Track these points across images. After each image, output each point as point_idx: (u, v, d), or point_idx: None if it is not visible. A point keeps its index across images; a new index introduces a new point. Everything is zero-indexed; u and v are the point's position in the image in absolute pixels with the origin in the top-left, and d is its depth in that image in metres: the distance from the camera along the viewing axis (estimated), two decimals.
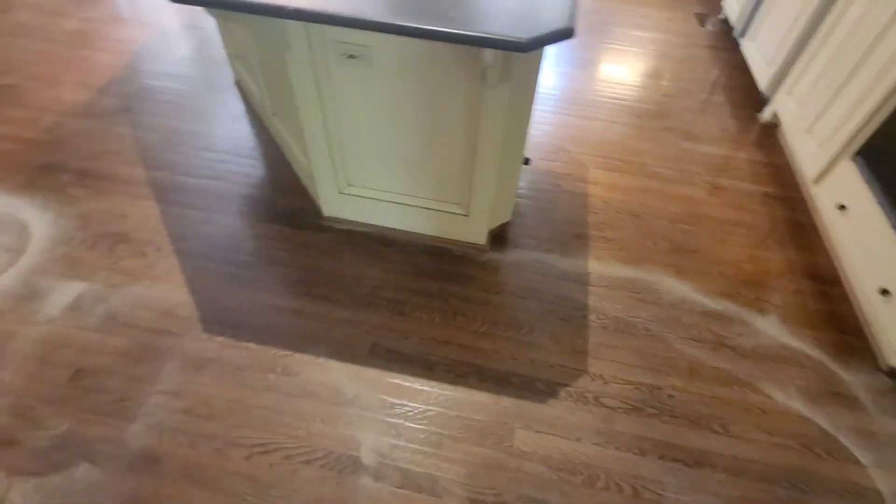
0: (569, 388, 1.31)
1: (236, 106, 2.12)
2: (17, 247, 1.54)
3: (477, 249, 1.62)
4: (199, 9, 2.72)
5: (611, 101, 2.30)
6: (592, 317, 1.47)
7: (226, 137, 1.96)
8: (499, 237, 1.66)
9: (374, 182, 1.54)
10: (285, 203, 1.73)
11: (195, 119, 2.04)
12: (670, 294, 1.53)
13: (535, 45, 0.88)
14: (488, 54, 0.99)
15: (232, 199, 1.73)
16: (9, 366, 1.27)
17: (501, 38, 0.88)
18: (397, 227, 1.63)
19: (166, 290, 1.45)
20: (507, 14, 0.95)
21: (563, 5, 0.97)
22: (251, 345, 1.35)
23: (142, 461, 1.13)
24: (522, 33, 0.89)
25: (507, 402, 1.27)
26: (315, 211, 1.70)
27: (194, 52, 2.41)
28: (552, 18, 0.93)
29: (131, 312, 1.40)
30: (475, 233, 1.58)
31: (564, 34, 0.90)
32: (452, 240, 1.63)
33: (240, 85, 2.19)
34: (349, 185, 1.56)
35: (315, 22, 0.96)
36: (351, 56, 1.19)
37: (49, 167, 1.79)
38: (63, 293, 1.43)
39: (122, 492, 1.09)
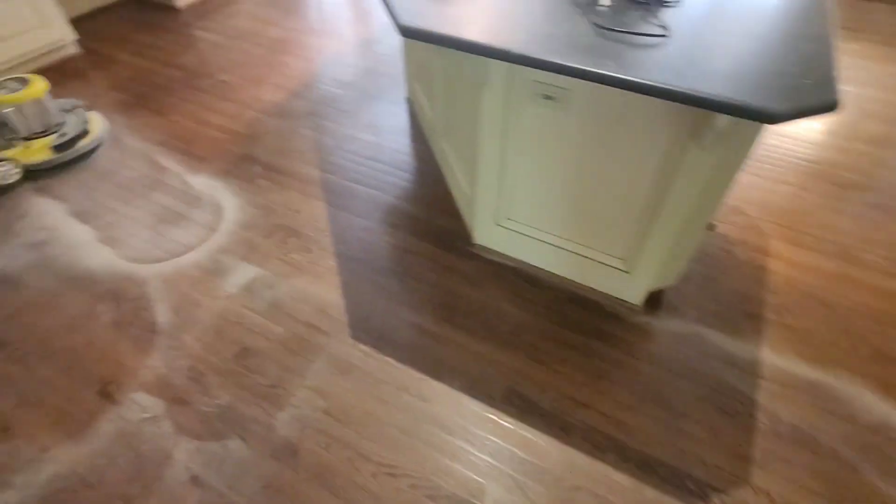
0: (724, 497, 1.13)
1: (404, 120, 2.23)
2: (212, 224, 1.76)
3: (630, 309, 1.49)
4: (380, 25, 2.94)
5: (804, 162, 2.01)
6: (762, 417, 1.26)
7: (391, 150, 2.07)
8: (655, 299, 1.52)
9: (535, 220, 1.50)
10: (438, 222, 1.76)
11: (366, 129, 2.19)
12: (869, 413, 1.27)
13: (789, 118, 0.76)
14: (721, 119, 0.89)
15: (390, 210, 1.81)
16: (192, 331, 1.44)
17: (748, 105, 0.78)
18: (548, 268, 1.57)
19: (323, 289, 1.55)
20: (749, 72, 0.85)
21: (821, 67, 0.84)
22: (391, 360, 1.38)
23: (284, 450, 1.21)
24: (774, 102, 0.78)
25: (649, 494, 1.13)
26: (465, 236, 1.71)
27: (373, 65, 2.60)
28: (808, 85, 0.81)
29: (292, 303, 1.52)
30: (632, 291, 1.46)
31: (827, 107, 0.77)
32: (604, 293, 1.52)
33: (411, 101, 2.31)
34: (508, 218, 1.54)
35: (542, 69, 0.94)
36: (547, 97, 1.17)
37: (245, 157, 2.04)
38: (240, 274, 1.60)
39: (264, 475, 1.17)
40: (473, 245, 1.68)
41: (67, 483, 1.15)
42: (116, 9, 3.20)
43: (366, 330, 1.45)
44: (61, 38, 2.59)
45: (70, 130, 2.01)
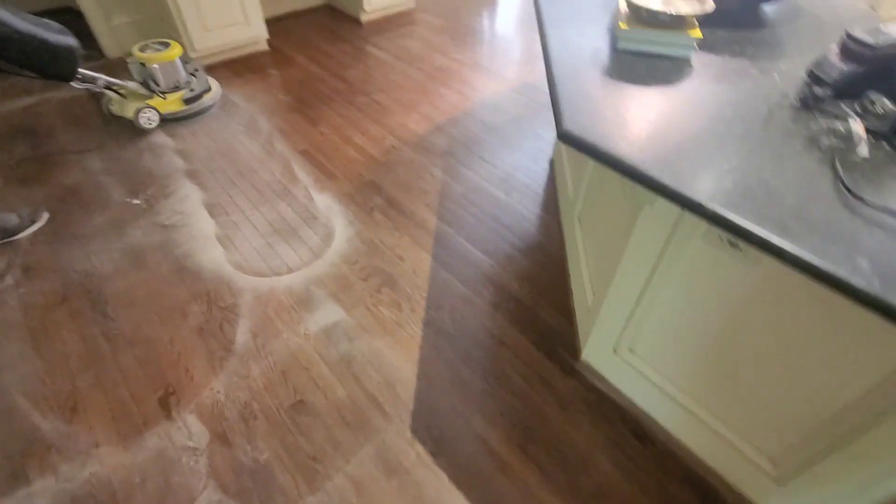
0: None
1: (541, 184, 2.02)
2: (318, 250, 1.73)
3: None
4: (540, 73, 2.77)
5: None
6: None
7: (518, 214, 1.88)
8: None
9: (662, 364, 1.19)
10: (545, 317, 1.52)
11: (499, 183, 2.03)
12: None
13: None
14: None
15: (497, 285, 1.61)
16: (262, 363, 1.39)
17: None
18: (664, 424, 1.25)
19: (400, 359, 1.41)
20: None
21: None
22: (444, 476, 1.18)
23: None
24: None
25: None
26: (572, 345, 1.45)
27: (525, 113, 2.44)
28: None
29: (364, 365, 1.39)
30: (770, 497, 1.08)
31: None
32: (730, 484, 1.16)
33: (554, 166, 2.10)
34: (629, 349, 1.25)
35: (746, 240, 0.68)
36: (733, 244, 0.88)
37: (371, 185, 2.00)
38: (326, 314, 1.52)
39: None
40: (579, 360, 1.41)
41: (99, 490, 1.14)
42: (310, 14, 3.48)
43: (428, 427, 1.27)
44: (257, 35, 2.85)
45: (197, 87, 2.34)
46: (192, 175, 2.03)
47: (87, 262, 1.64)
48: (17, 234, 1.72)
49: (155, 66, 2.19)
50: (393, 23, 3.37)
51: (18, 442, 1.21)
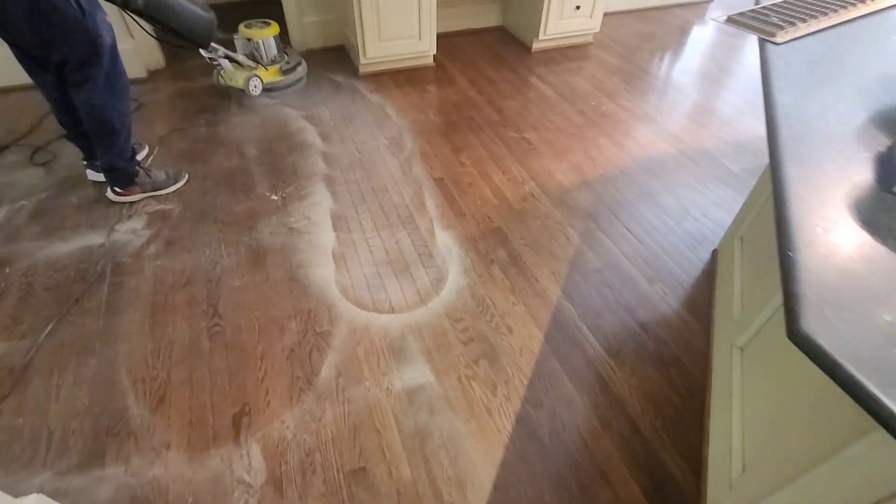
0: None
1: (693, 279, 1.68)
2: (426, 295, 1.61)
3: None
4: (727, 140, 2.35)
5: None
6: None
7: (656, 311, 1.57)
8: None
9: None
10: (666, 460, 1.22)
11: (642, 265, 1.73)
12: None
13: None
14: None
15: (613, 399, 1.34)
16: (337, 408, 1.30)
17: None
18: None
19: (479, 456, 1.22)
20: None
21: None
22: None
23: None
24: None
25: None
26: (688, 500, 1.13)
27: (691, 187, 2.08)
28: None
29: (439, 449, 1.23)
30: None
31: None
32: None
33: (718, 259, 1.73)
34: None
35: None
36: None
37: (498, 234, 1.84)
38: (414, 373, 1.39)
39: None
40: None
41: (156, 497, 1.13)
42: (483, 33, 3.43)
43: None
44: (425, 50, 2.86)
45: (291, 61, 2.69)
46: (329, 181, 2.05)
47: (217, 251, 1.72)
48: (164, 189, 1.95)
49: (260, 40, 2.51)
50: (564, 55, 3.17)
51: (110, 418, 1.26)
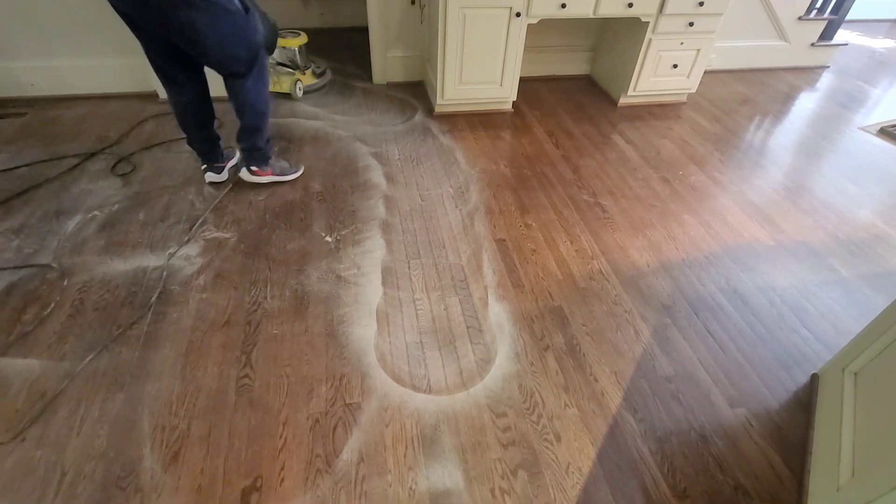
0: None
1: (782, 404, 1.41)
2: (468, 379, 1.46)
3: None
4: (828, 236, 2.03)
5: None
6: None
7: (734, 444, 1.32)
8: None
9: None
10: None
11: (722, 382, 1.48)
12: None
13: None
14: None
15: None
16: (353, 503, 1.17)
17: None
18: None
19: None
20: None
21: None
22: None
23: None
24: None
25: None
26: None
27: (790, 290, 1.80)
28: None
29: None
30: None
31: None
32: None
33: (819, 387, 1.45)
34: None
35: None
36: None
37: (557, 314, 1.66)
38: (443, 474, 1.23)
39: None
40: None
41: None
42: (568, 81, 3.29)
43: None
44: (506, 96, 2.76)
45: (320, 66, 3.05)
46: (386, 228, 1.97)
47: (262, 291, 1.67)
48: (287, 175, 2.17)
49: (296, 48, 2.78)
50: (653, 113, 2.96)
51: (122, 468, 1.20)
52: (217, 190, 2.10)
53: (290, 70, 2.83)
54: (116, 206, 1.98)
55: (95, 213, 1.94)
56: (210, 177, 2.12)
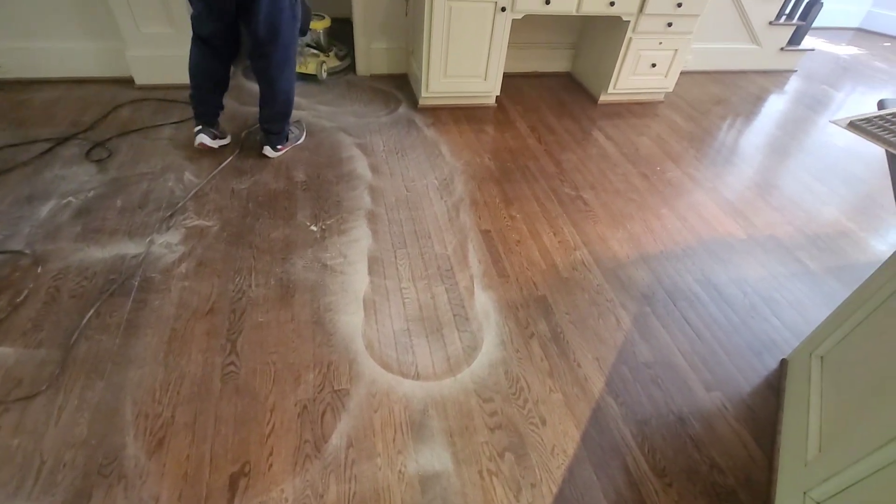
0: None
1: (753, 387, 1.48)
2: (455, 365, 1.48)
3: None
4: (795, 230, 2.13)
5: None
6: None
7: (710, 426, 1.38)
8: None
9: None
10: None
11: (698, 367, 1.54)
12: None
13: None
14: None
15: None
16: (342, 486, 1.17)
17: None
18: None
19: None
20: None
21: None
22: None
23: None
24: None
25: None
26: None
27: (761, 280, 1.88)
28: None
29: None
30: None
31: None
32: None
33: (787, 371, 1.53)
34: None
35: None
36: None
37: (541, 303, 1.70)
38: (431, 458, 1.25)
39: None
40: None
41: None
42: (550, 78, 3.34)
43: None
44: (490, 90, 2.78)
45: (342, 49, 3.08)
46: (371, 218, 1.97)
47: (247, 279, 1.65)
48: (298, 141, 2.34)
49: (321, 30, 2.89)
50: (631, 111, 3.04)
51: (104, 455, 1.18)
52: (197, 178, 2.06)
53: (316, 52, 2.92)
54: (92, 193, 1.92)
55: (70, 199, 1.88)
56: (202, 138, 2.14)
